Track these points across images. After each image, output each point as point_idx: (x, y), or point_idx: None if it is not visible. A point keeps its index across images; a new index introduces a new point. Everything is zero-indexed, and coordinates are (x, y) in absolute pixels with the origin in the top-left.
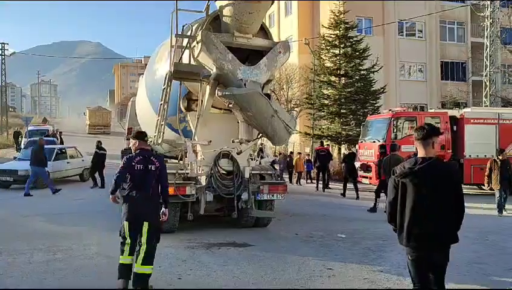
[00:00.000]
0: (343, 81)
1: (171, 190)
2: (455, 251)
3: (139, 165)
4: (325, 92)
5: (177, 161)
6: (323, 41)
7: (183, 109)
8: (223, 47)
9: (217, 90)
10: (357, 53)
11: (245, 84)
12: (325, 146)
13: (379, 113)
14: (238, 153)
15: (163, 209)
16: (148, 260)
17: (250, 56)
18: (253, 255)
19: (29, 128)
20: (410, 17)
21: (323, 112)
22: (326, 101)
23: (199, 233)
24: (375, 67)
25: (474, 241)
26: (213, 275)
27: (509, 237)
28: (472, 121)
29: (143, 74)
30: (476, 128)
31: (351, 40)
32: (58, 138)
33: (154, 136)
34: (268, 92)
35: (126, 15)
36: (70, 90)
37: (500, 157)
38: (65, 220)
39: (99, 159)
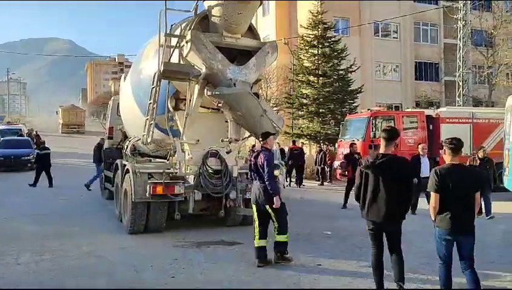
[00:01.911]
0: (321, 81)
1: (159, 189)
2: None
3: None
4: (304, 91)
5: (163, 161)
6: (301, 41)
7: (170, 108)
8: (212, 47)
9: (206, 90)
10: (335, 53)
11: (234, 84)
12: (298, 145)
13: (357, 112)
14: (227, 152)
15: None
16: None
17: (238, 56)
18: (243, 253)
19: (1, 127)
20: (385, 18)
21: (303, 111)
22: (305, 101)
23: (187, 232)
24: (352, 67)
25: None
26: (206, 273)
27: (486, 232)
28: (447, 120)
29: (124, 73)
30: (451, 127)
31: (329, 40)
32: (34, 138)
33: (143, 135)
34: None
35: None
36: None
37: (480, 156)
38: (50, 220)
39: (42, 159)
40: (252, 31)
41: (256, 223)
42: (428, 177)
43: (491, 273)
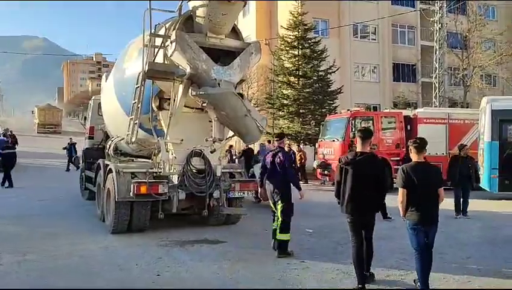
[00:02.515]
0: (302, 82)
1: (143, 189)
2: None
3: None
4: (285, 92)
5: (145, 160)
6: (282, 42)
7: (154, 108)
8: (196, 47)
9: (190, 90)
10: (315, 54)
11: (219, 84)
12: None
13: (336, 113)
14: (211, 152)
15: None
16: None
17: (221, 56)
18: (226, 251)
19: None
20: (364, 19)
21: (283, 111)
22: (286, 101)
23: (170, 231)
24: (332, 68)
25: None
26: (191, 271)
27: (463, 229)
28: (424, 120)
29: (106, 72)
30: (428, 127)
31: (309, 41)
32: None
33: (128, 135)
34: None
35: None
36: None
37: (462, 154)
38: (30, 221)
39: (5, 158)
40: (235, 32)
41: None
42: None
43: (465, 267)
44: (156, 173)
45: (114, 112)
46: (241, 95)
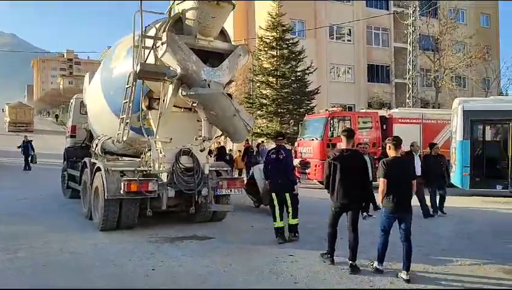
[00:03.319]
0: (280, 82)
1: (134, 186)
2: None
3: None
4: (264, 92)
5: (131, 159)
6: (261, 43)
7: (144, 107)
8: (187, 48)
9: (180, 90)
10: (293, 55)
11: (209, 85)
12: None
13: (314, 112)
14: (201, 150)
15: None
16: None
17: (209, 58)
18: (216, 247)
19: None
20: (339, 21)
21: (262, 111)
22: (265, 101)
23: (158, 228)
24: (309, 69)
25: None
26: (184, 265)
27: (439, 224)
28: (399, 120)
29: (89, 72)
30: (403, 127)
31: (287, 42)
32: None
33: (118, 134)
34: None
35: (44, 5)
36: None
37: (432, 153)
38: (15, 220)
39: None
40: (223, 34)
41: (277, 208)
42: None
43: (442, 258)
44: (144, 171)
45: (100, 111)
46: (230, 95)
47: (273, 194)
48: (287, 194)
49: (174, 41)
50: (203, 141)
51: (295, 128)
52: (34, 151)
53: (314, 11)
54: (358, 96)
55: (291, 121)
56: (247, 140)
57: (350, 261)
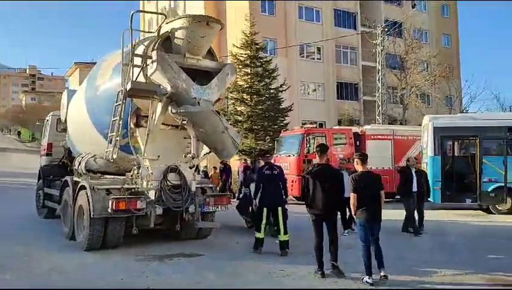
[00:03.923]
0: (255, 99)
1: (122, 205)
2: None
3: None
4: (239, 108)
5: (114, 177)
6: (235, 61)
7: (132, 125)
8: (177, 67)
9: (170, 108)
10: (267, 73)
11: (199, 103)
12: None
13: (287, 129)
14: (190, 168)
15: None
16: None
17: (197, 76)
18: (206, 264)
19: None
20: (309, 40)
21: (237, 127)
22: (239, 118)
23: (144, 247)
24: (283, 86)
25: (390, 241)
26: (178, 283)
27: (418, 237)
28: (372, 136)
29: (67, 90)
30: (375, 143)
31: (261, 60)
32: None
33: (108, 151)
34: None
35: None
36: None
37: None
38: None
39: None
40: (211, 53)
41: (265, 221)
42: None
43: (426, 270)
44: (131, 189)
45: (83, 129)
46: (218, 112)
47: (265, 209)
48: (279, 209)
49: (164, 60)
50: (193, 158)
51: (270, 144)
52: None
53: (285, 30)
54: (328, 113)
55: (267, 137)
56: (245, 160)
57: (331, 262)
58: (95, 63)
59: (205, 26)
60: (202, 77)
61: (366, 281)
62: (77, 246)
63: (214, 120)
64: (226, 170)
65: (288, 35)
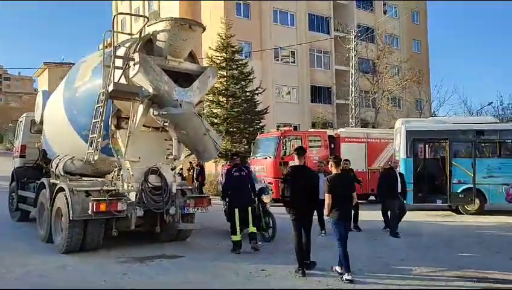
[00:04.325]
0: (231, 102)
1: (103, 206)
2: (354, 248)
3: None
4: (215, 111)
5: (90, 179)
6: (210, 63)
7: (112, 127)
8: (159, 69)
9: (152, 110)
10: (243, 75)
11: (181, 105)
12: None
13: (263, 131)
14: (172, 169)
15: None
16: None
17: (179, 78)
18: (188, 265)
19: None
20: (284, 43)
21: (213, 130)
22: (215, 120)
23: (123, 249)
24: (258, 89)
25: (366, 241)
26: (162, 284)
27: (390, 237)
28: (346, 139)
29: (42, 91)
30: (349, 145)
31: (237, 63)
32: None
33: (89, 153)
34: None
35: None
36: None
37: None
38: None
39: None
40: (192, 56)
41: (238, 223)
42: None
43: (403, 268)
44: (110, 191)
45: (61, 130)
46: (200, 115)
47: (236, 209)
48: (249, 208)
49: (147, 62)
50: (175, 159)
51: (246, 147)
52: None
53: (260, 33)
54: (302, 116)
55: (243, 140)
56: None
57: (304, 260)
58: (66, 63)
59: (187, 29)
60: (183, 79)
61: (346, 279)
62: (54, 249)
63: (196, 122)
64: (202, 172)
65: (263, 38)
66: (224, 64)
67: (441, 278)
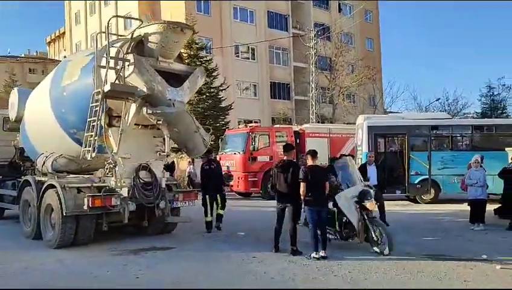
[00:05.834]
0: (196, 98)
1: (98, 202)
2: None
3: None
4: None
5: (75, 176)
6: None
7: (104, 125)
8: (152, 70)
9: (145, 109)
10: (208, 72)
11: (173, 104)
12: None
13: (228, 127)
14: (165, 165)
15: None
16: None
17: (169, 79)
18: (181, 255)
19: None
20: (243, 40)
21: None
22: None
23: (114, 242)
24: (223, 85)
25: None
26: (163, 274)
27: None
28: (310, 134)
29: (20, 89)
30: (314, 140)
31: (201, 59)
32: None
33: (86, 151)
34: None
35: None
36: None
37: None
38: None
39: None
40: (180, 57)
41: (209, 207)
42: (376, 186)
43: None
44: (101, 187)
45: (45, 129)
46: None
47: (207, 196)
48: (218, 195)
49: (141, 63)
50: (167, 156)
51: (213, 142)
52: None
53: (220, 30)
54: (262, 112)
55: (211, 135)
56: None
57: (291, 247)
58: (12, 56)
59: (179, 32)
60: (173, 80)
61: (313, 257)
62: (43, 244)
63: (187, 120)
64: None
65: (224, 35)
66: (188, 61)
67: (410, 258)
